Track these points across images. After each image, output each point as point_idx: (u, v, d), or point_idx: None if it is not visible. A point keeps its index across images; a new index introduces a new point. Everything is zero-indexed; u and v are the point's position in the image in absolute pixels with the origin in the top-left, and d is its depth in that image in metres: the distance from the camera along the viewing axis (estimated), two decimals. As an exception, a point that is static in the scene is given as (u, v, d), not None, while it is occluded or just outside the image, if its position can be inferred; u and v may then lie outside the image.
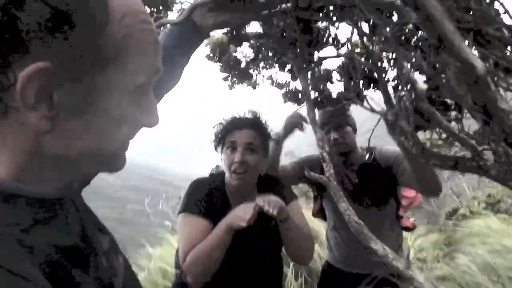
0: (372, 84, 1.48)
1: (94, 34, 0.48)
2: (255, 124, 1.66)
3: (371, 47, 1.20)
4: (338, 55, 1.35)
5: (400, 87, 1.32)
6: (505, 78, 0.96)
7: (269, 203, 1.45)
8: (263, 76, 1.73)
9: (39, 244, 0.46)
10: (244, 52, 1.61)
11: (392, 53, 1.28)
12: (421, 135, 1.40)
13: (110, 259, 0.61)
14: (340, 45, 1.43)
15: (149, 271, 3.97)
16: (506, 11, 0.77)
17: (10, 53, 0.44)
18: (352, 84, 1.35)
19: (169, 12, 1.38)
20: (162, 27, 1.04)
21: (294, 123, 1.79)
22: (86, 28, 0.46)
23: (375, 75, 1.24)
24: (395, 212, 2.18)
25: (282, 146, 1.89)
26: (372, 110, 1.31)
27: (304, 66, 1.21)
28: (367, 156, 2.09)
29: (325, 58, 1.43)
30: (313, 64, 1.46)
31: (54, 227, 0.51)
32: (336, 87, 1.59)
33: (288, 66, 1.50)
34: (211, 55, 1.57)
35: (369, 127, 1.70)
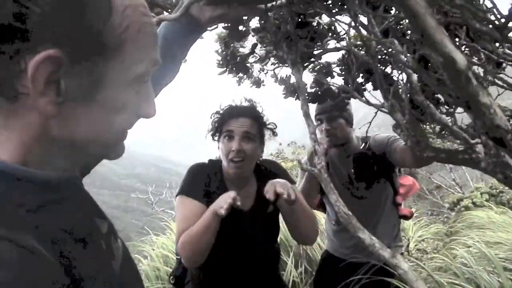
0: (371, 79, 1.50)
1: (99, 25, 0.50)
2: (251, 112, 1.67)
3: (369, 39, 1.21)
4: (337, 49, 1.37)
5: (395, 80, 1.34)
6: (494, 71, 0.98)
7: (284, 187, 1.46)
8: (267, 72, 1.74)
9: (43, 224, 0.49)
10: (248, 47, 1.63)
11: (390, 46, 1.29)
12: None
13: (108, 242, 0.64)
14: (339, 38, 1.44)
15: (152, 258, 4.03)
16: (494, 6, 0.78)
17: (21, 41, 0.46)
18: (350, 76, 1.37)
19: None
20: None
21: None
22: (91, 19, 0.49)
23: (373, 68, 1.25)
24: (393, 199, 2.20)
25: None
26: (368, 103, 1.34)
27: (300, 60, 1.23)
28: (362, 146, 2.11)
29: (324, 51, 1.45)
30: (312, 58, 1.48)
31: (57, 209, 0.54)
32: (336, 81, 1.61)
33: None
34: (220, 50, 1.58)
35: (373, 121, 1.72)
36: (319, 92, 1.61)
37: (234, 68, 1.53)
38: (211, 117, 1.72)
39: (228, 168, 1.65)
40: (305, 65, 1.45)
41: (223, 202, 1.46)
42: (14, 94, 0.49)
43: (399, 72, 1.35)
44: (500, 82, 0.98)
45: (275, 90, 1.79)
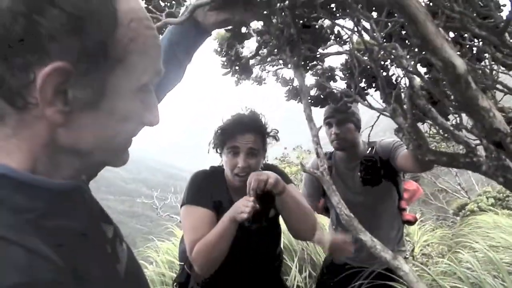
0: (374, 84, 1.51)
1: (105, 37, 0.52)
2: (255, 127, 1.67)
3: (371, 44, 1.22)
4: (339, 52, 1.38)
5: (398, 84, 1.35)
6: (494, 76, 0.99)
7: (264, 175, 1.48)
8: (268, 72, 1.76)
9: (51, 228, 0.51)
10: (250, 48, 1.64)
11: (391, 51, 1.31)
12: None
13: (113, 246, 0.66)
14: (342, 42, 1.45)
15: (157, 264, 4.05)
16: (494, 11, 0.79)
17: (31, 53, 0.49)
18: (353, 80, 1.39)
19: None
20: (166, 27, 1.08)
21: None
22: (97, 32, 0.52)
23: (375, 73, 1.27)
24: (397, 205, 2.21)
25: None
26: (371, 106, 1.35)
27: (302, 63, 1.24)
28: (368, 150, 2.12)
29: (326, 54, 1.47)
30: (315, 61, 1.50)
31: (65, 214, 0.56)
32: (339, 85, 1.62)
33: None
34: (219, 49, 1.60)
35: (377, 125, 1.74)
36: (322, 96, 1.63)
37: (237, 69, 1.55)
38: (215, 132, 1.71)
39: (233, 180, 1.66)
40: (307, 68, 1.47)
41: (242, 207, 1.46)
42: (23, 104, 0.51)
43: (401, 76, 1.36)
44: (500, 86, 0.99)
45: (277, 89, 1.80)
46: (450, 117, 1.41)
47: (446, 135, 1.29)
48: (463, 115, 1.28)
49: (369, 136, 1.56)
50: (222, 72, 1.68)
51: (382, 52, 1.26)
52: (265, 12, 1.07)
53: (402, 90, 1.37)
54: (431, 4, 1.03)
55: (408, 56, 1.13)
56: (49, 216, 0.52)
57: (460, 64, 0.73)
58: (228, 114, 1.74)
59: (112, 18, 0.53)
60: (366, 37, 1.22)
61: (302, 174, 2.45)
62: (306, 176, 2.37)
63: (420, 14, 0.72)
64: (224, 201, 1.67)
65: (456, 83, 0.74)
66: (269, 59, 1.71)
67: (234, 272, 1.67)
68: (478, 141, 1.14)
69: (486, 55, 1.14)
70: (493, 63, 1.09)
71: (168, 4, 1.29)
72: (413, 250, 4.27)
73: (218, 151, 1.72)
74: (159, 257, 4.13)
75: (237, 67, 1.49)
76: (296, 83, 1.50)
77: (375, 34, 1.01)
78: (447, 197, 10.01)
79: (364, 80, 1.42)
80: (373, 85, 1.49)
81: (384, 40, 1.22)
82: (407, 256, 2.42)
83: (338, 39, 1.34)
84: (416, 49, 1.10)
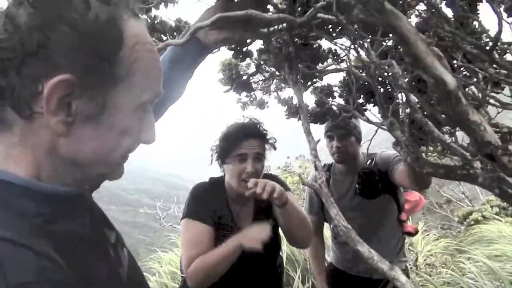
0: (372, 99, 1.54)
1: (110, 55, 0.56)
2: (258, 132, 1.71)
3: (368, 61, 1.26)
4: (337, 70, 1.42)
5: (395, 99, 1.38)
6: (487, 91, 1.02)
7: (269, 187, 1.49)
8: (270, 93, 1.80)
9: (57, 233, 0.54)
10: (251, 65, 1.68)
11: (388, 67, 1.34)
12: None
13: (116, 251, 0.69)
14: (339, 59, 1.49)
15: (160, 275, 4.05)
16: (485, 30, 0.83)
17: (42, 66, 0.53)
18: (351, 97, 1.42)
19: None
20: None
21: None
22: (104, 50, 0.56)
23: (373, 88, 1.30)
24: (397, 217, 2.23)
25: None
26: (369, 121, 1.38)
27: (302, 80, 1.28)
28: (368, 162, 2.15)
29: (325, 72, 1.50)
30: (314, 79, 1.53)
31: (70, 219, 0.59)
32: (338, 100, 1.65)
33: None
34: (223, 78, 1.64)
35: (376, 138, 1.77)
36: (321, 112, 1.66)
37: (238, 87, 1.59)
38: (219, 141, 1.73)
39: (239, 188, 1.67)
40: (307, 85, 1.51)
41: (256, 235, 1.48)
42: (30, 113, 0.55)
43: (398, 91, 1.39)
44: (492, 101, 1.02)
45: (279, 110, 1.84)
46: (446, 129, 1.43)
47: (443, 148, 1.31)
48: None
49: (367, 149, 1.58)
50: (225, 87, 1.72)
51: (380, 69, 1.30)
52: (264, 31, 1.11)
53: (399, 105, 1.40)
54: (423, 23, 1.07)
55: (403, 73, 1.16)
56: (54, 221, 0.56)
57: (451, 80, 0.76)
58: (227, 124, 1.77)
59: (118, 39, 0.57)
60: (363, 54, 1.26)
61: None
62: (308, 190, 2.42)
63: (410, 34, 0.75)
64: (224, 213, 1.70)
65: (447, 99, 0.77)
66: (270, 80, 1.75)
67: (235, 283, 1.69)
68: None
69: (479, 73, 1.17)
70: (485, 79, 1.13)
71: (170, 36, 1.34)
72: (416, 260, 4.26)
73: (220, 161, 1.74)
74: (162, 268, 4.14)
75: (236, 85, 1.53)
76: (295, 101, 1.54)
77: (371, 52, 1.04)
78: (452, 206, 9.96)
79: (362, 96, 1.46)
80: (371, 100, 1.52)
81: (380, 58, 1.25)
82: (410, 266, 2.43)
83: (335, 57, 1.38)
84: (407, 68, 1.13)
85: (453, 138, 1.28)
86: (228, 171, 1.71)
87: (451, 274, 3.04)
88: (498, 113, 1.22)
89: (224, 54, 1.60)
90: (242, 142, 1.66)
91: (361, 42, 1.10)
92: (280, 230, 1.81)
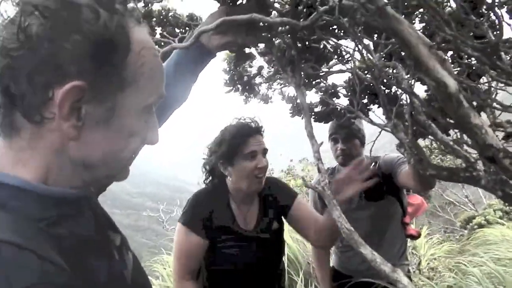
0: (376, 100, 1.55)
1: (119, 61, 0.59)
2: (260, 129, 1.74)
3: (372, 62, 1.27)
4: (342, 71, 1.43)
5: (399, 101, 1.39)
6: (488, 94, 1.03)
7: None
8: (274, 90, 1.81)
9: (61, 236, 0.56)
10: (256, 66, 1.70)
11: (392, 69, 1.35)
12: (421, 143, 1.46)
13: (121, 254, 0.71)
14: (344, 60, 1.50)
15: (163, 278, 4.05)
16: (486, 32, 0.83)
17: (53, 74, 0.55)
18: (355, 98, 1.43)
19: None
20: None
21: None
22: (113, 56, 0.58)
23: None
24: (401, 220, 2.23)
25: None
26: (372, 122, 1.39)
27: (306, 81, 1.29)
28: (371, 165, 2.15)
29: (329, 73, 1.51)
30: (318, 79, 1.54)
31: (75, 222, 0.61)
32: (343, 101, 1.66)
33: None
34: (228, 68, 1.66)
35: (379, 140, 1.78)
36: (325, 111, 1.67)
37: (240, 87, 1.60)
38: (224, 142, 1.70)
39: (250, 185, 1.68)
40: (311, 85, 1.52)
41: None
42: (40, 118, 0.56)
43: (402, 93, 1.40)
44: (495, 104, 1.03)
45: (284, 108, 1.85)
46: (451, 132, 1.44)
47: (446, 149, 1.32)
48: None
49: (370, 151, 1.59)
50: (228, 89, 1.73)
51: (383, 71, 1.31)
52: (266, 35, 1.12)
53: (404, 106, 1.40)
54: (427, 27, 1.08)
55: (407, 76, 1.17)
56: (59, 224, 0.57)
57: (452, 83, 0.77)
58: (224, 127, 1.77)
59: (126, 45, 0.59)
60: (368, 55, 1.27)
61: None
62: (312, 194, 2.42)
63: (412, 38, 0.76)
64: (226, 216, 1.71)
65: (449, 101, 0.78)
66: (276, 76, 1.76)
67: (237, 286, 1.70)
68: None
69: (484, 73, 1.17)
70: (489, 80, 1.13)
71: (182, 30, 1.36)
72: (419, 264, 4.24)
73: (227, 163, 1.71)
74: (165, 271, 4.14)
75: (239, 86, 1.54)
76: (299, 100, 1.55)
77: (376, 54, 1.05)
78: (455, 210, 9.92)
79: (366, 97, 1.46)
80: (376, 102, 1.53)
81: (384, 60, 1.26)
82: (413, 270, 2.43)
83: (340, 58, 1.39)
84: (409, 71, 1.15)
85: (457, 134, 1.28)
86: (238, 171, 1.68)
87: (454, 277, 3.04)
88: (500, 113, 1.23)
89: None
90: (250, 140, 1.67)
91: (365, 43, 1.11)
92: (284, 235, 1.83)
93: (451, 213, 9.81)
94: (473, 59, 1.29)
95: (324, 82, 1.65)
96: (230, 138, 1.70)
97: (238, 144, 1.67)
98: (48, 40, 0.53)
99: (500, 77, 0.95)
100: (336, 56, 1.50)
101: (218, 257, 1.69)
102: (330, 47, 1.46)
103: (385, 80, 1.47)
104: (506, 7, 1.08)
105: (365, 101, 1.53)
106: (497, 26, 0.88)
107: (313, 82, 1.58)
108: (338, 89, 1.65)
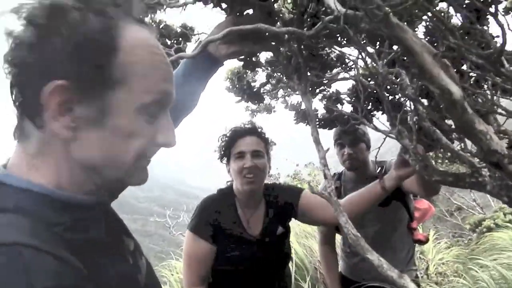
0: (381, 106, 1.56)
1: (103, 61, 0.59)
2: (254, 130, 1.78)
3: (376, 69, 1.28)
4: (345, 78, 1.44)
5: (403, 107, 1.40)
6: (492, 100, 1.04)
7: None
8: (278, 99, 1.83)
9: (77, 240, 0.58)
10: (257, 76, 1.72)
11: (396, 76, 1.36)
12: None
13: (135, 259, 0.72)
14: (348, 68, 1.51)
15: (171, 284, 4.07)
16: (491, 40, 0.84)
17: (39, 78, 0.57)
18: (359, 105, 1.44)
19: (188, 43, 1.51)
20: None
21: None
22: (95, 57, 0.58)
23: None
24: (408, 225, 2.22)
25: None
26: (376, 129, 1.40)
27: (310, 89, 1.30)
28: (378, 170, 2.15)
29: (333, 80, 1.53)
30: (322, 86, 1.56)
31: (90, 227, 0.62)
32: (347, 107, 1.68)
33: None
34: (230, 86, 1.69)
35: (384, 145, 1.79)
36: (330, 118, 1.68)
37: (249, 98, 1.62)
38: (218, 141, 1.81)
39: (241, 185, 1.71)
40: (316, 93, 1.53)
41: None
42: (41, 123, 0.59)
43: (406, 99, 1.41)
44: (500, 110, 1.03)
45: (288, 117, 1.87)
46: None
47: (451, 155, 1.32)
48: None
49: (376, 157, 1.60)
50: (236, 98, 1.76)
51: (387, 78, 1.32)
52: (273, 43, 1.14)
53: (408, 113, 1.41)
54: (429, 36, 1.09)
55: (411, 82, 1.18)
56: (73, 229, 0.58)
57: (456, 90, 0.78)
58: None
59: (111, 46, 0.59)
60: (372, 62, 1.28)
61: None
62: None
63: (416, 46, 0.78)
64: (232, 220, 1.72)
65: (453, 108, 0.79)
66: (279, 85, 1.78)
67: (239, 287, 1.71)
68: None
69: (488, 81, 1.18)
70: (494, 87, 1.14)
71: (175, 41, 1.38)
72: (427, 269, 4.21)
73: (223, 161, 1.81)
74: (173, 277, 4.15)
75: (247, 96, 1.57)
76: (303, 106, 1.57)
77: (379, 62, 1.07)
78: (463, 214, 9.83)
79: (370, 103, 1.48)
80: (380, 108, 1.54)
81: (388, 67, 1.27)
82: (421, 275, 2.42)
83: (343, 65, 1.40)
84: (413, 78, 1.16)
85: (462, 144, 1.29)
86: (232, 171, 1.76)
87: (463, 283, 3.01)
88: (506, 119, 1.23)
89: (232, 62, 1.66)
90: (238, 141, 1.73)
91: (368, 51, 1.12)
92: (290, 239, 1.83)
93: (459, 217, 9.71)
94: (474, 68, 1.30)
95: (328, 89, 1.66)
96: (223, 141, 1.79)
97: (228, 145, 1.76)
98: (35, 46, 0.56)
99: (505, 84, 0.96)
100: (339, 64, 1.52)
101: (221, 259, 1.70)
102: (334, 55, 1.47)
103: (389, 87, 1.48)
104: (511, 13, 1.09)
105: (369, 107, 1.54)
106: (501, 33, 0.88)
107: (318, 90, 1.59)
108: (342, 95, 1.66)
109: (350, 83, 1.58)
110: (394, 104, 1.41)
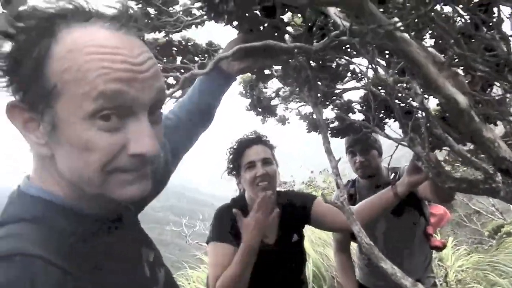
0: (392, 114, 1.57)
1: (36, 73, 0.56)
2: (260, 139, 1.82)
3: (385, 80, 1.30)
4: (356, 88, 1.46)
5: (414, 115, 1.41)
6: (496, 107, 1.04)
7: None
8: (291, 110, 1.87)
9: (91, 251, 0.59)
10: (272, 88, 1.77)
11: (406, 84, 1.37)
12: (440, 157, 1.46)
13: (153, 270, 0.73)
14: (358, 78, 1.53)
15: (188, 292, 4.09)
16: (496, 48, 0.86)
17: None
18: (371, 113, 1.45)
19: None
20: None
21: None
22: (26, 68, 0.57)
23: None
24: (424, 231, 2.21)
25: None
26: (388, 137, 1.41)
27: (322, 99, 1.33)
28: (391, 176, 2.15)
29: (344, 90, 1.55)
30: (333, 97, 1.58)
31: (105, 239, 0.64)
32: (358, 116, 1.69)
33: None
34: (244, 92, 1.73)
35: (397, 152, 1.79)
36: (342, 127, 1.70)
37: (261, 111, 1.66)
38: (228, 157, 1.84)
39: (255, 194, 1.73)
40: (327, 103, 1.56)
41: (252, 229, 1.57)
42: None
43: (417, 107, 1.42)
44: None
45: (302, 128, 1.90)
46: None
47: (464, 161, 1.32)
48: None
49: (388, 164, 1.61)
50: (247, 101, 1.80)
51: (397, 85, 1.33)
52: (283, 57, 1.17)
53: (420, 120, 1.42)
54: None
55: (421, 91, 1.19)
56: (89, 239, 0.60)
57: (462, 100, 0.80)
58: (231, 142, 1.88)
59: (40, 54, 0.56)
60: (381, 71, 1.30)
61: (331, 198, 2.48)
62: None
63: (421, 58, 0.80)
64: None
65: (460, 117, 0.81)
66: (291, 98, 1.82)
67: None
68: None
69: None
70: (503, 92, 1.14)
71: (202, 57, 1.43)
72: (446, 276, 4.14)
73: (236, 177, 1.84)
74: (189, 285, 4.17)
75: (260, 109, 1.61)
76: (315, 116, 1.59)
77: (389, 71, 1.09)
78: (482, 219, 9.62)
79: (382, 111, 1.49)
80: (391, 116, 1.55)
81: (398, 75, 1.29)
82: (440, 282, 2.39)
83: (354, 75, 1.43)
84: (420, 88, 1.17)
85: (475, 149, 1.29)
86: (244, 182, 1.79)
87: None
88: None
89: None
90: (246, 151, 1.77)
91: (377, 61, 1.14)
92: (305, 245, 1.84)
93: (478, 222, 9.51)
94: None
95: (340, 99, 1.68)
96: (231, 154, 1.83)
97: (237, 157, 1.79)
98: None
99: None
100: (349, 74, 1.54)
101: None
102: (344, 66, 1.50)
103: (400, 94, 1.49)
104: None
105: (380, 115, 1.56)
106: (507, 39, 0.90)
107: (329, 100, 1.62)
108: (353, 104, 1.68)
109: (361, 92, 1.60)
110: (406, 112, 1.42)
